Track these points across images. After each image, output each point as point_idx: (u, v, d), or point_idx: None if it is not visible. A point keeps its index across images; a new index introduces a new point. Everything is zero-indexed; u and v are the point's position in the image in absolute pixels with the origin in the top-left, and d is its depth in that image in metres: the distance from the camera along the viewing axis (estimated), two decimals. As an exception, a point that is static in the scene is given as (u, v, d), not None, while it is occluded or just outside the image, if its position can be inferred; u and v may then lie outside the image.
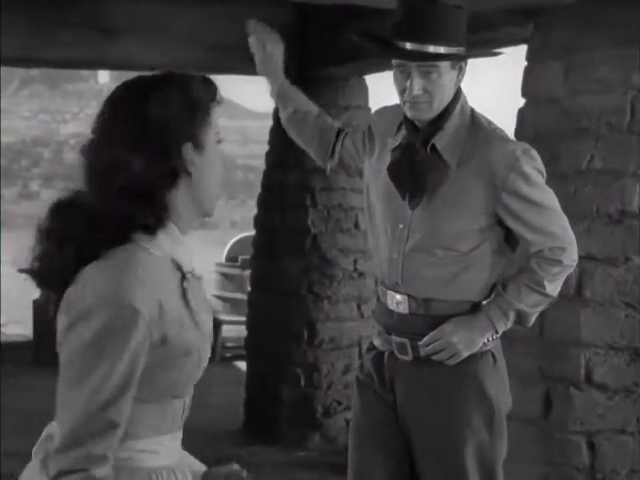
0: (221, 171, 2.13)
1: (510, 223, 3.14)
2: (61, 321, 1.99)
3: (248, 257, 8.07)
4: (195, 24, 6.43)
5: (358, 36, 3.24)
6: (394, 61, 3.14)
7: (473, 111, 3.21)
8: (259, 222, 7.19)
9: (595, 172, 4.02)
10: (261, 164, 7.35)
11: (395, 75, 3.15)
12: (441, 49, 3.05)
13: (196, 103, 2.07)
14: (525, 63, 4.38)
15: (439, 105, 3.13)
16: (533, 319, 3.24)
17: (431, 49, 3.05)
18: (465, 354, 3.16)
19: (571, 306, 4.02)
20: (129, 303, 1.92)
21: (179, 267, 2.06)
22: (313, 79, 6.49)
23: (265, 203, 7.14)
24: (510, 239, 3.22)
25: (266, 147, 7.19)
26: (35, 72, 48.26)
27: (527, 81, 4.35)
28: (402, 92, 3.13)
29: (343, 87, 6.92)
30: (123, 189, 2.00)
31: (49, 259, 2.03)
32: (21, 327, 11.33)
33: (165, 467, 2.07)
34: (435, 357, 3.18)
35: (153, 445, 2.05)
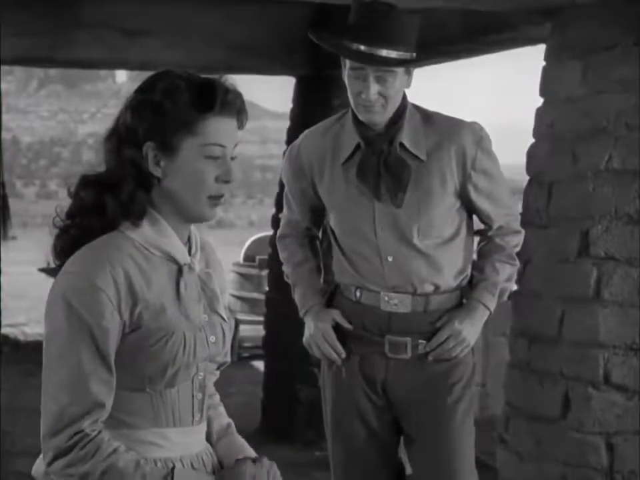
0: (198, 186, 2.04)
1: (475, 199, 3.29)
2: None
3: (265, 256, 8.08)
4: (214, 24, 6.42)
5: (313, 35, 3.28)
6: (349, 64, 3.19)
7: (413, 104, 3.30)
8: (276, 221, 7.19)
9: (613, 172, 4.01)
10: (279, 164, 7.36)
11: (349, 77, 3.20)
12: (393, 54, 3.13)
13: (174, 105, 2.01)
14: (543, 63, 4.37)
15: (392, 108, 3.21)
16: (508, 293, 3.44)
17: (384, 52, 3.12)
18: (473, 343, 3.32)
19: (590, 306, 4.02)
20: (89, 280, 1.97)
21: (170, 258, 2.08)
22: (330, 79, 6.49)
23: (282, 202, 7.13)
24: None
25: (284, 147, 7.19)
26: (52, 72, 48.51)
27: (545, 81, 4.35)
28: (356, 95, 3.19)
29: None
30: (96, 176, 2.08)
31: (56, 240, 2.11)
32: (41, 327, 11.36)
33: (165, 458, 2.06)
34: (445, 355, 3.27)
35: (151, 437, 2.06)
